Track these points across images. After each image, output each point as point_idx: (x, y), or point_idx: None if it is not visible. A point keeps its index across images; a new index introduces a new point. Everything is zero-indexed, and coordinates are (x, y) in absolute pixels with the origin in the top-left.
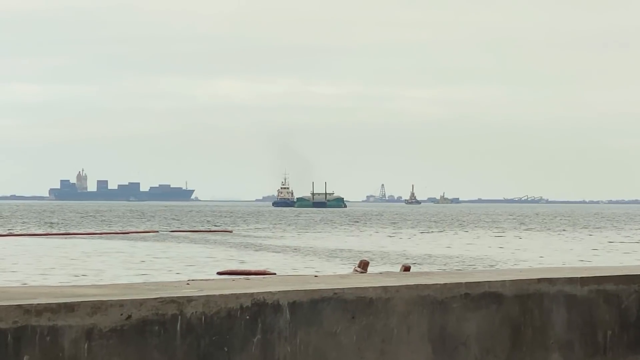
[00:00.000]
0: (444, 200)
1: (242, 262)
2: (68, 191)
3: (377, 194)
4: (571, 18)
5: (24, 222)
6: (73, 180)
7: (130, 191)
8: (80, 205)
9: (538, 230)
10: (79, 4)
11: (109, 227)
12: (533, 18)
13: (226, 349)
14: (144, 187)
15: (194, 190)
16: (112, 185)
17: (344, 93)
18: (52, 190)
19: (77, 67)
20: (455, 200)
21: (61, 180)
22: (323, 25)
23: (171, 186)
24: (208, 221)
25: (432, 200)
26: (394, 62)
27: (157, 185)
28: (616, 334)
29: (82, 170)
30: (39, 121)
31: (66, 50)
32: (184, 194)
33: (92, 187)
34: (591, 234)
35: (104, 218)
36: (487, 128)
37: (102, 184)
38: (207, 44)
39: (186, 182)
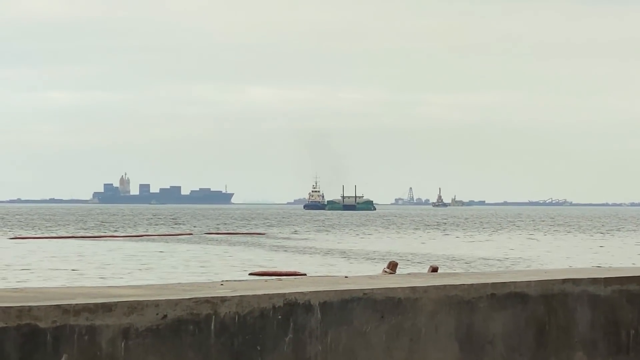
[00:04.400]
0: (455, 202)
1: (274, 263)
2: (111, 195)
3: (406, 197)
4: (592, 25)
5: (63, 225)
6: (116, 184)
7: (171, 195)
8: (119, 208)
9: (562, 232)
10: (114, 13)
11: (146, 229)
12: (554, 24)
13: (259, 348)
14: (185, 191)
15: (233, 194)
16: (154, 189)
17: (370, 99)
18: (95, 194)
19: (111, 74)
20: (469, 203)
21: (104, 184)
22: (348, 33)
23: (211, 190)
24: (242, 224)
25: (458, 203)
26: (417, 69)
27: (198, 189)
28: (639, 333)
29: (125, 175)
30: (76, 127)
31: (101, 59)
32: (224, 198)
33: (134, 190)
34: (614, 235)
35: (145, 220)
36: (511, 132)
37: (144, 187)
38: (237, 53)
39: (225, 186)
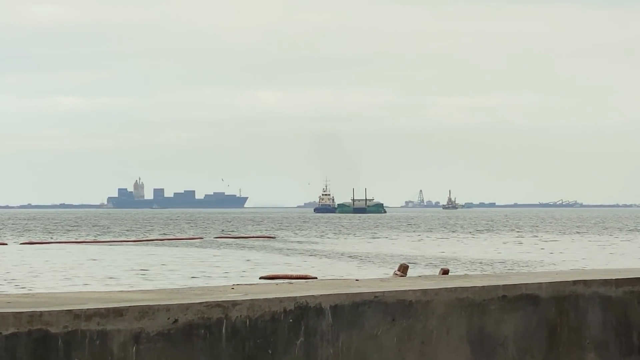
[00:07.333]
0: (456, 204)
1: (285, 267)
2: (125, 199)
3: (416, 199)
4: (597, 27)
5: (73, 230)
6: (130, 188)
7: (185, 199)
8: (132, 213)
9: (572, 234)
10: (122, 19)
11: (156, 233)
12: (560, 26)
13: (270, 352)
14: (199, 195)
15: (247, 198)
16: (169, 193)
17: (379, 101)
18: (110, 199)
19: (120, 80)
20: (469, 205)
21: (119, 189)
22: (356, 36)
23: (225, 194)
24: (253, 227)
25: (468, 205)
26: (425, 71)
27: (212, 193)
28: None
29: (139, 179)
30: (86, 133)
31: (110, 64)
32: (238, 201)
33: (148, 195)
34: (626, 236)
35: (155, 224)
36: (521, 134)
37: (158, 192)
38: (245, 57)
39: (240, 190)
